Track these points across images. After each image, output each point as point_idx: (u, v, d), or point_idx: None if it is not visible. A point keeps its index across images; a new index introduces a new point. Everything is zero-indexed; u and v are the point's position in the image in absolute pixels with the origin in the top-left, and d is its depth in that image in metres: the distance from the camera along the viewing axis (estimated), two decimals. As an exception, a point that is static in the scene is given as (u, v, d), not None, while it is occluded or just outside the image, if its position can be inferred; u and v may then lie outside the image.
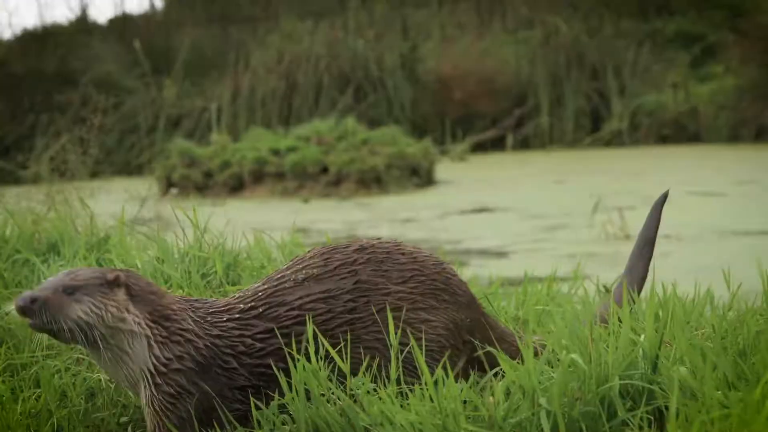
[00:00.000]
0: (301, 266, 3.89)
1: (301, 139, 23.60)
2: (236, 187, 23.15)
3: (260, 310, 3.83)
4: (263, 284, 3.89)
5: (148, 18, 35.82)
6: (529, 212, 17.73)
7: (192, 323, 3.80)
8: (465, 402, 3.51)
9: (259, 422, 3.76)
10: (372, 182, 22.40)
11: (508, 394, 3.50)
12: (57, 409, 4.15)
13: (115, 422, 4.20)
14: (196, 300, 3.93)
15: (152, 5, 37.33)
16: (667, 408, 3.44)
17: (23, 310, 3.65)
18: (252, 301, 3.85)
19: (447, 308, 3.92)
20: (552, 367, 3.62)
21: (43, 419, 4.05)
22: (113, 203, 7.68)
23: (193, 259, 5.13)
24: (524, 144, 30.54)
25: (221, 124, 29.54)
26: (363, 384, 3.68)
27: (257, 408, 3.77)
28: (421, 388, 3.55)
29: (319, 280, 3.84)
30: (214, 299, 3.96)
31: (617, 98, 30.91)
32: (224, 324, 3.81)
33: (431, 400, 3.48)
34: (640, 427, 3.39)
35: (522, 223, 16.49)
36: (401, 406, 3.54)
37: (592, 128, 30.85)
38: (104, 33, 34.25)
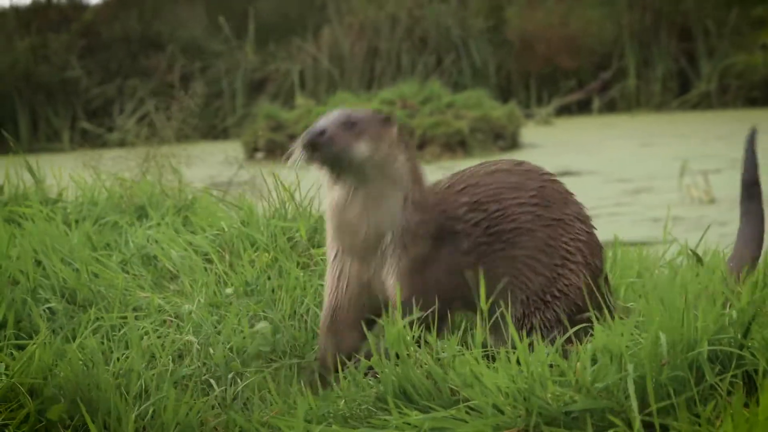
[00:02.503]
0: (490, 164, 4.10)
1: (385, 103, 23.53)
2: (321, 151, 23.15)
3: (460, 188, 4.01)
4: (455, 176, 4.11)
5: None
6: (613, 176, 17.57)
7: (428, 190, 4.03)
8: (551, 366, 3.50)
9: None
10: (456, 146, 22.29)
11: (595, 358, 3.49)
12: (145, 369, 4.20)
13: (200, 380, 4.25)
14: None
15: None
16: (756, 372, 3.41)
17: (312, 143, 3.83)
18: (454, 184, 4.04)
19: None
20: (641, 332, 3.60)
21: (132, 379, 4.10)
22: (201, 167, 7.74)
23: (278, 223, 5.15)
24: (610, 107, 30.22)
25: (304, 88, 29.58)
26: (449, 346, 3.70)
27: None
28: (509, 352, 3.55)
29: (510, 174, 4.04)
30: None
31: (706, 60, 30.46)
32: (444, 195, 4.02)
33: (518, 363, 3.48)
34: (729, 392, 3.36)
35: (606, 186, 16.35)
36: (488, 368, 3.54)
37: (680, 91, 30.45)
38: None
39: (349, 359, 4.04)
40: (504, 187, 4.01)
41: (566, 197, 4.11)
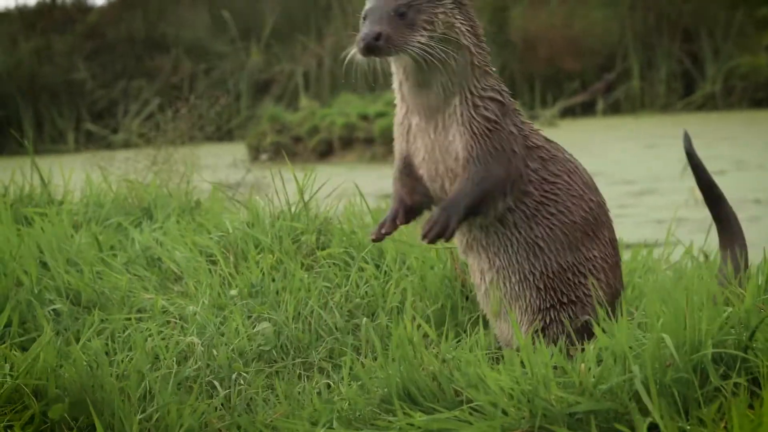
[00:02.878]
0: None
1: (390, 104, 23.49)
2: (325, 152, 23.17)
3: (547, 137, 4.11)
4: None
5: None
6: (618, 177, 17.59)
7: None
8: (555, 368, 3.50)
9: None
10: (460, 147, 22.26)
11: (599, 359, 3.49)
12: (149, 371, 4.20)
13: (204, 382, 4.25)
14: None
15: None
16: (761, 374, 3.41)
17: (369, 48, 3.80)
18: (542, 135, 4.12)
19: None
20: (645, 333, 3.60)
21: (136, 381, 4.10)
22: (208, 169, 7.75)
23: (283, 224, 5.15)
24: (615, 108, 30.21)
25: (308, 89, 29.59)
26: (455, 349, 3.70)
27: None
28: (516, 352, 3.56)
29: (586, 174, 4.12)
30: None
31: (710, 61, 30.44)
32: (528, 125, 4.05)
33: (522, 365, 3.48)
34: (734, 394, 3.36)
35: (610, 188, 16.34)
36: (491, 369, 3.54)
37: (685, 92, 30.43)
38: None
39: (420, 211, 4.05)
40: (579, 176, 4.06)
41: (610, 224, 4.13)
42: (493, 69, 4.00)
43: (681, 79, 30.66)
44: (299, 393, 4.07)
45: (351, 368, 3.98)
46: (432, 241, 3.81)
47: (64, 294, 4.89)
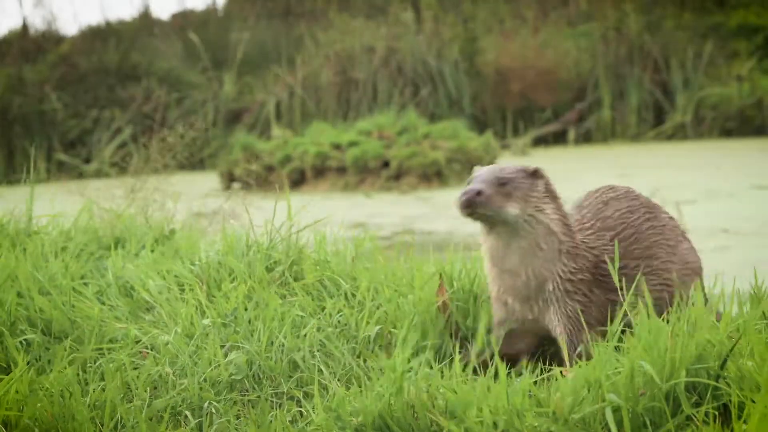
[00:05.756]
0: (594, 198, 4.46)
1: (362, 134, 23.54)
2: (298, 181, 23.13)
3: (598, 225, 4.33)
4: (579, 212, 4.41)
5: (210, 13, 35.91)
6: (590, 206, 17.61)
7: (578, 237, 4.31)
8: (530, 395, 3.50)
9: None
10: (433, 176, 22.31)
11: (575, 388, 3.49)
12: (121, 402, 4.18)
13: (176, 411, 4.23)
14: None
15: (214, 0, 37.41)
16: (731, 403, 3.42)
17: (469, 203, 4.09)
18: (585, 226, 4.34)
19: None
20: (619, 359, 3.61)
21: (108, 412, 4.08)
22: (181, 198, 7.73)
23: (256, 253, 5.15)
24: (586, 138, 30.28)
25: (280, 119, 29.56)
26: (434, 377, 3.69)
27: None
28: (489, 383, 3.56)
29: (618, 200, 4.41)
30: None
31: (681, 91, 30.59)
32: (589, 238, 4.30)
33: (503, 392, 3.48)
34: (705, 423, 3.37)
35: (583, 217, 16.31)
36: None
37: (656, 122, 30.56)
38: (166, 28, 34.36)
39: (516, 360, 4.26)
40: (623, 213, 4.36)
41: (653, 202, 4.50)
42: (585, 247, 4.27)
43: (652, 109, 30.79)
44: (271, 422, 4.06)
45: (324, 397, 3.97)
46: None
47: (37, 324, 4.87)
